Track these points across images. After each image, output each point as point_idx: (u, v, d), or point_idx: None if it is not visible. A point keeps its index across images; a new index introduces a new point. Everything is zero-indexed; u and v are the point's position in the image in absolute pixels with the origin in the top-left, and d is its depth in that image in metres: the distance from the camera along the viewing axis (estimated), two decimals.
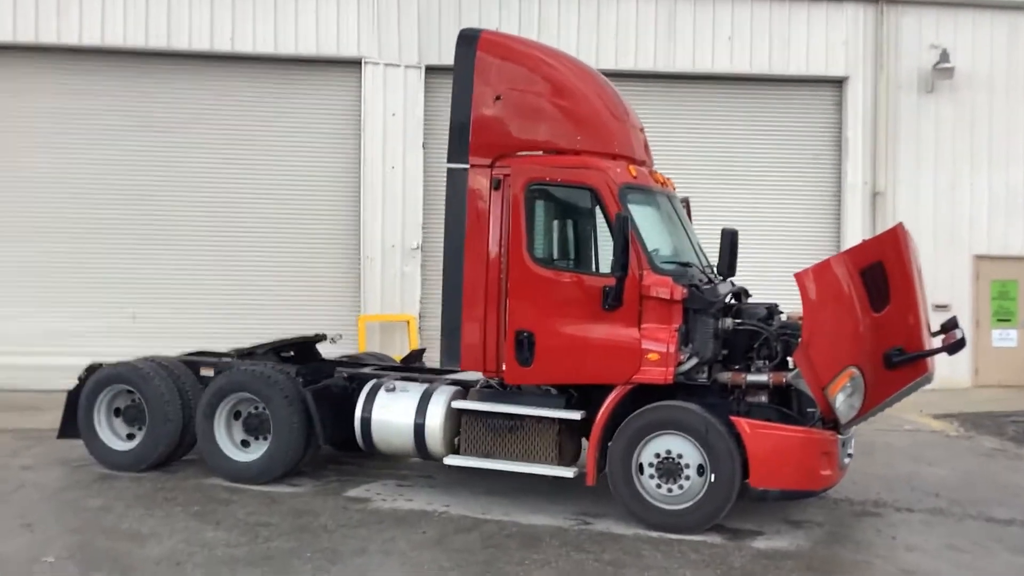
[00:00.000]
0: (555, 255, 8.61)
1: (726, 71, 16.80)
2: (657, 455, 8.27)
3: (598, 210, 8.45)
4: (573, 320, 8.36)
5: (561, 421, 8.72)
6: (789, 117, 17.13)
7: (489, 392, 9.10)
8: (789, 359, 8.65)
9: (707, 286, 8.67)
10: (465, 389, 9.38)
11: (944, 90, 17.00)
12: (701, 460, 8.14)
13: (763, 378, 8.49)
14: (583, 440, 9.04)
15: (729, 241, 9.20)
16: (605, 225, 8.44)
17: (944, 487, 10.07)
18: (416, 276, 15.99)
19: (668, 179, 9.59)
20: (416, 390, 9.36)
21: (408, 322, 15.64)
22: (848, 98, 16.98)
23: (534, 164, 8.54)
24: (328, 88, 16.23)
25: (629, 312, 8.32)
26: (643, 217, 8.57)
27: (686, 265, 8.75)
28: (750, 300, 9.33)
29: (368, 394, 9.44)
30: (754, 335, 8.61)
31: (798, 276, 7.94)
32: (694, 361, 8.41)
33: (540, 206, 8.52)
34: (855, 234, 16.47)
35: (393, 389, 9.40)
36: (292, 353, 11.01)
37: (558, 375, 8.52)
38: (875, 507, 9.24)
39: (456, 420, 9.19)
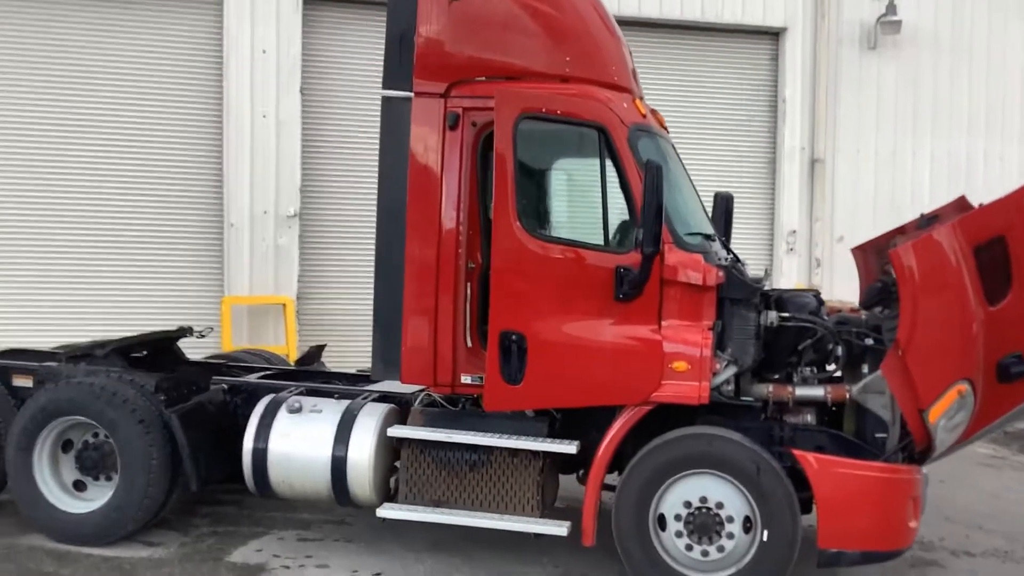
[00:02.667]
0: (554, 223, 6.11)
1: (654, 17, 14.56)
2: (687, 504, 5.94)
3: (607, 159, 5.97)
4: (577, 316, 5.89)
5: (546, 456, 6.26)
6: (722, 73, 15.02)
7: (438, 414, 6.55)
8: (831, 366, 6.45)
9: (741, 267, 6.38)
10: (401, 407, 6.79)
11: (888, 47, 15.26)
12: (748, 511, 5.86)
13: (818, 392, 6.27)
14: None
15: (724, 208, 6.99)
16: (608, 181, 6.00)
17: (1002, 522, 8.12)
18: (294, 249, 13.08)
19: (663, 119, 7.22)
20: (332, 410, 6.71)
21: (284, 305, 12.79)
22: (786, 52, 15.00)
23: (528, 91, 5.97)
24: (182, 18, 13.07)
25: (647, 304, 5.93)
26: None
27: (708, 238, 6.41)
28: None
29: (263, 416, 6.72)
30: (801, 333, 6.36)
31: (894, 254, 5.73)
32: (731, 371, 6.12)
33: (535, 151, 5.99)
34: (791, 207, 14.70)
35: (299, 409, 6.71)
36: (144, 354, 8.09)
37: (556, 396, 6.03)
38: (927, 551, 7.19)
39: (392, 453, 6.63)
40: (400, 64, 6.27)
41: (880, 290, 6.93)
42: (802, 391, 6.28)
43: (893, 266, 5.71)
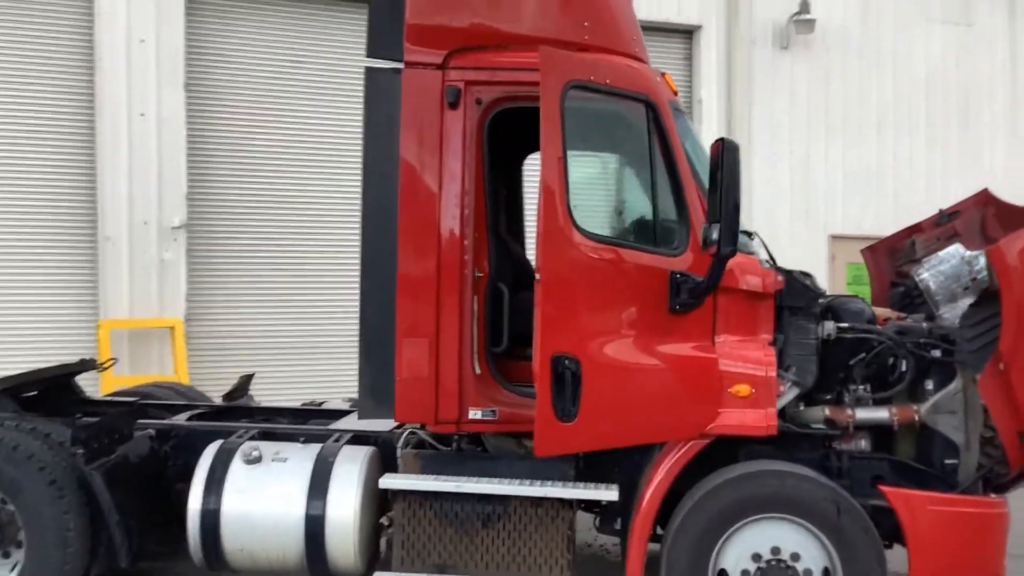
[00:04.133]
0: (605, 222, 5.05)
1: None
2: (756, 557, 4.95)
3: (655, 140, 4.93)
4: (631, 333, 4.81)
5: (578, 505, 5.16)
6: None
7: (436, 457, 5.36)
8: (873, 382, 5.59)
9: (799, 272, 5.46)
10: (381, 449, 5.56)
11: (799, 47, 14.89)
12: (827, 561, 4.93)
13: (882, 414, 5.39)
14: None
15: None
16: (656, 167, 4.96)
17: None
18: (180, 265, 11.46)
19: None
20: (301, 457, 5.42)
21: (172, 328, 11.18)
22: (700, 52, 14.42)
23: (573, 57, 4.82)
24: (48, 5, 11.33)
25: (701, 316, 4.94)
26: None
27: (748, 235, 5.48)
28: None
29: (212, 468, 5.36)
30: (857, 346, 5.47)
31: (996, 252, 4.92)
32: (795, 393, 5.18)
33: (583, 132, 4.86)
34: None
35: (258, 458, 5.38)
36: (35, 393, 6.52)
37: (612, 433, 4.90)
38: None
39: (379, 508, 5.38)
40: (389, 27, 5.08)
41: (903, 295, 6.18)
42: (864, 414, 5.39)
43: (995, 268, 4.90)
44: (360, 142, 5.26)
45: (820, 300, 5.36)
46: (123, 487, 5.33)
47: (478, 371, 5.17)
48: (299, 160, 11.84)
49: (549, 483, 5.06)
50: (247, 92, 11.64)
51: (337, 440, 5.63)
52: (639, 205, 4.93)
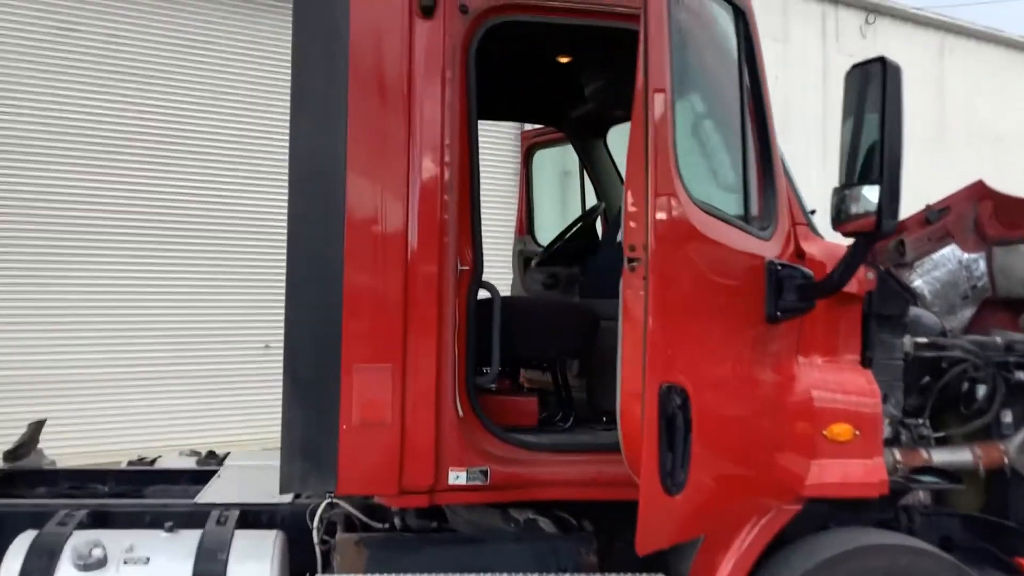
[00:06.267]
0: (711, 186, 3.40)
1: None
2: None
3: (744, 63, 3.40)
4: (732, 353, 3.21)
5: None
6: None
7: (389, 544, 3.56)
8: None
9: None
10: (287, 532, 3.70)
11: None
12: None
13: (964, 456, 4.13)
14: None
15: None
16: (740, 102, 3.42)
17: None
18: None
19: None
20: (171, 554, 3.45)
21: None
22: None
23: None
24: None
25: (788, 329, 3.44)
26: None
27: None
28: None
29: None
30: (931, 367, 4.20)
31: None
32: (887, 431, 3.81)
33: (683, 54, 3.15)
34: None
35: (101, 559, 3.37)
36: None
37: (715, 509, 3.24)
38: None
39: None
40: None
41: None
42: (943, 456, 4.11)
43: None
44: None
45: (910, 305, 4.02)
46: None
47: (461, 413, 3.43)
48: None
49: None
50: (37, 70, 9.12)
51: (221, 522, 3.70)
52: (723, 162, 3.37)
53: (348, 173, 3.28)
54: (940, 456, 4.12)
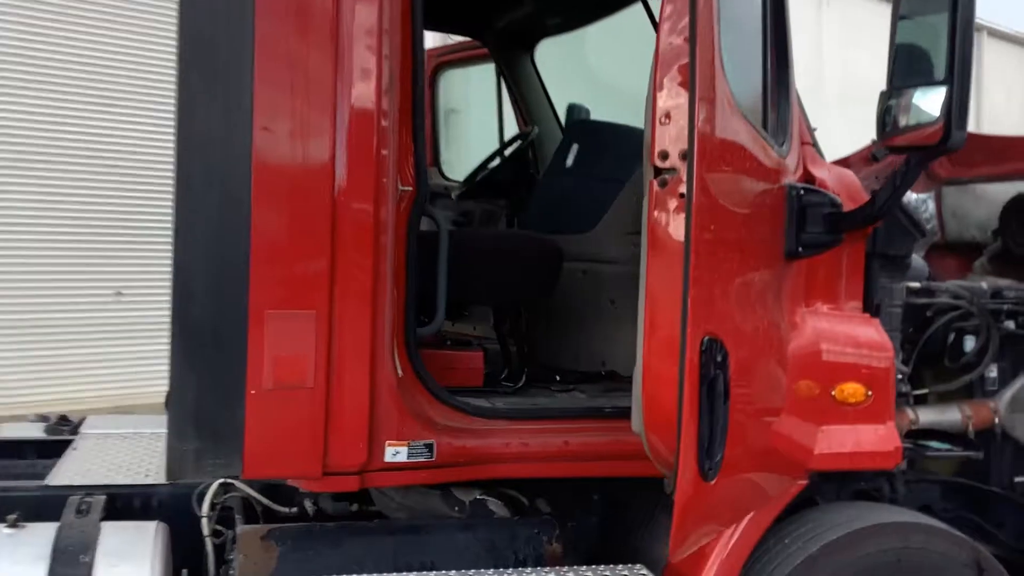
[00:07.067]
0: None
1: None
2: None
3: None
4: (757, 298, 2.59)
5: None
6: None
7: (304, 535, 2.81)
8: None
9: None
10: (167, 521, 2.92)
11: None
12: None
13: (953, 416, 3.69)
14: None
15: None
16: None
17: None
18: None
19: None
20: (17, 556, 2.62)
21: None
22: None
23: None
24: None
25: (797, 270, 2.86)
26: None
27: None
28: None
29: None
30: (918, 315, 3.74)
31: None
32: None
33: None
34: None
35: None
36: None
37: (744, 484, 2.63)
38: None
39: None
40: None
41: None
42: (930, 416, 3.66)
43: None
44: None
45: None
46: None
47: (400, 372, 2.71)
48: None
49: (545, 571, 2.71)
50: None
51: (82, 512, 2.89)
52: (744, 61, 2.70)
53: (256, 67, 2.47)
54: (927, 416, 3.67)
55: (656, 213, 2.24)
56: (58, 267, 8.47)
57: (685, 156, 2.16)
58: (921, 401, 3.83)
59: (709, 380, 2.20)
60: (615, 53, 5.56)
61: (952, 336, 3.82)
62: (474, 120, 7.06)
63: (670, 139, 2.22)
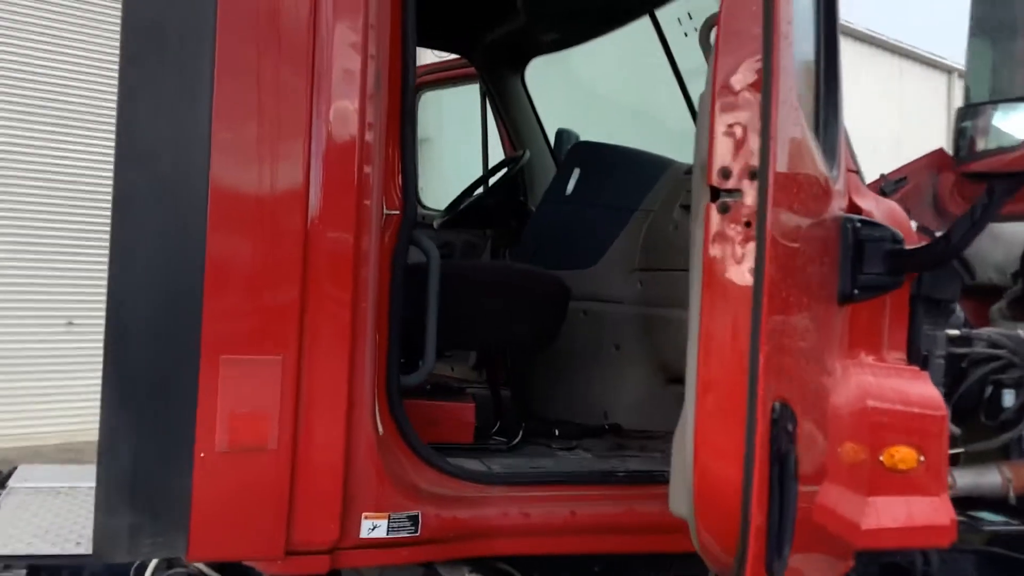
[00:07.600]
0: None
1: None
2: None
3: None
4: (817, 346, 2.19)
5: None
6: None
7: None
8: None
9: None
10: None
11: None
12: None
13: (992, 479, 3.32)
14: None
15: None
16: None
17: None
18: None
19: None
20: None
21: None
22: None
23: None
24: None
25: (843, 316, 2.47)
26: None
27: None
28: None
29: None
30: (952, 365, 3.37)
31: None
32: None
33: None
34: None
35: None
36: None
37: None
38: None
39: None
40: None
41: None
42: (968, 479, 3.27)
43: None
44: None
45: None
46: None
47: (381, 430, 2.28)
48: None
49: None
50: None
51: None
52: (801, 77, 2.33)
53: (216, 60, 2.06)
54: (964, 479, 3.28)
55: (715, 246, 1.83)
56: (6, 296, 7.98)
57: (754, 175, 1.75)
58: (953, 462, 3.47)
59: (781, 457, 1.79)
60: (603, 71, 5.21)
61: (990, 389, 3.47)
62: (447, 147, 6.67)
63: (733, 153, 1.81)
